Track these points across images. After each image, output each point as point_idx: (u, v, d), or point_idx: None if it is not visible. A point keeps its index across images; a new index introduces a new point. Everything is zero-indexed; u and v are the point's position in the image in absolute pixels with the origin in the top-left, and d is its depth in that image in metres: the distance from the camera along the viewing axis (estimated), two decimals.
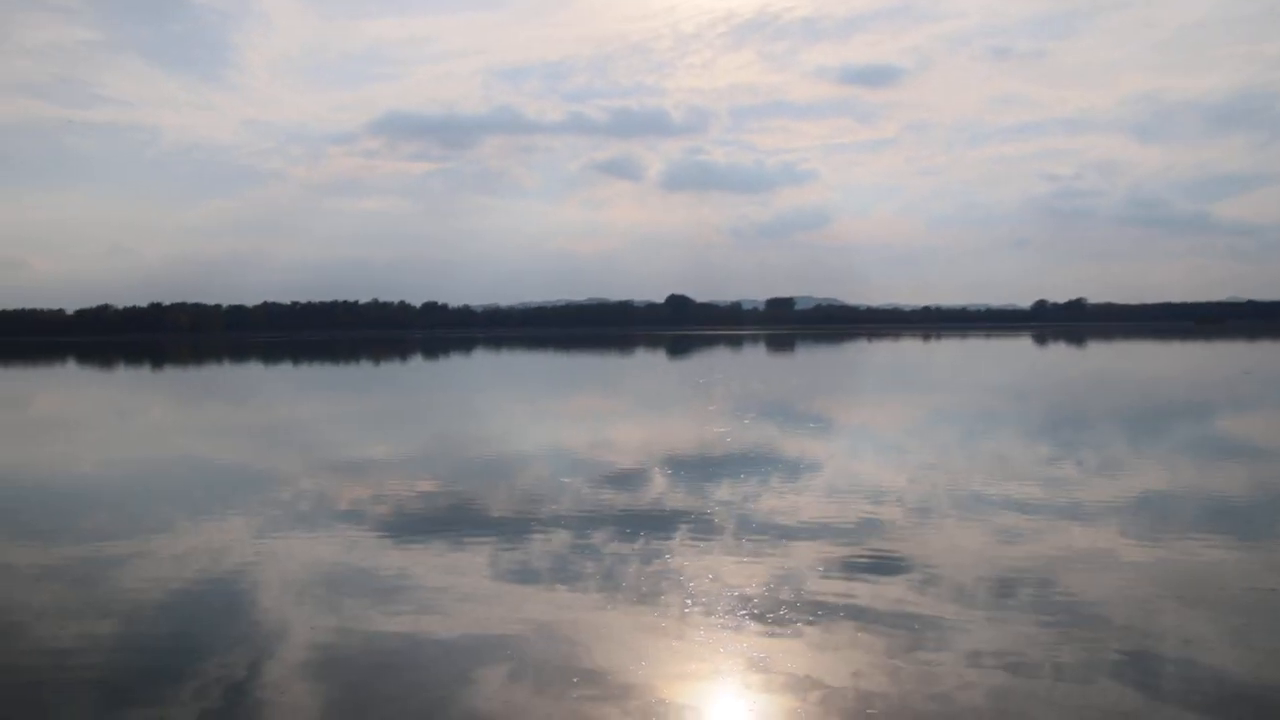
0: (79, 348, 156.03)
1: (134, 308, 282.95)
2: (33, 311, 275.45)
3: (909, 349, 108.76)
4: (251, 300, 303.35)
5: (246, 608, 11.62)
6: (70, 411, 43.91)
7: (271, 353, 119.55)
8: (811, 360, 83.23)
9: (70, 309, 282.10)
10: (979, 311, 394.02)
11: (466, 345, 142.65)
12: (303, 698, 8.78)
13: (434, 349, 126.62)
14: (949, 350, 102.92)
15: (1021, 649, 9.60)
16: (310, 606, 11.58)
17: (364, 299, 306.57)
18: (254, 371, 78.63)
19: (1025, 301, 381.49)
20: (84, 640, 10.52)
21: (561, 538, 14.87)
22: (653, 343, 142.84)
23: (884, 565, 12.94)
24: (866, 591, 11.71)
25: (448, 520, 16.41)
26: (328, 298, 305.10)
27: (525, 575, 12.80)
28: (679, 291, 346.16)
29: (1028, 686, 8.67)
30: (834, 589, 11.82)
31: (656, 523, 15.82)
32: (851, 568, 12.82)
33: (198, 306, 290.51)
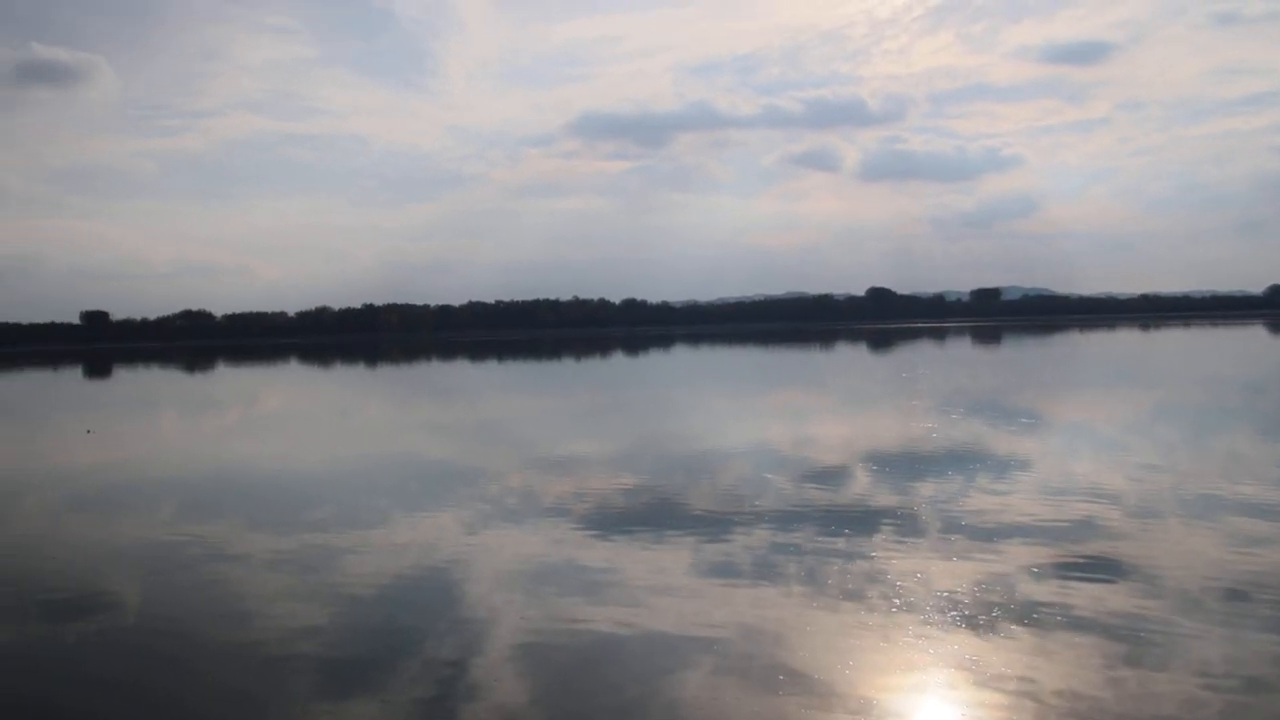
0: (300, 348, 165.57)
1: (349, 309, 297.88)
2: (259, 314, 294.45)
3: (1126, 340, 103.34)
4: (458, 300, 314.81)
5: (459, 598, 12.05)
6: (295, 409, 46.64)
7: (478, 351, 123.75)
8: (1020, 353, 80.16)
9: (291, 311, 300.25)
10: (1203, 298, 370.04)
11: (666, 342, 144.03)
12: (512, 686, 9.03)
13: (634, 346, 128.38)
14: (1170, 341, 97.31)
15: (1259, 666, 8.93)
16: (519, 598, 11.91)
17: (565, 297, 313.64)
18: (462, 369, 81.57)
19: (1257, 287, 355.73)
20: (310, 624, 11.14)
21: (764, 534, 14.80)
22: (853, 337, 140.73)
23: (1103, 569, 12.31)
24: (1084, 596, 11.17)
25: (651, 516, 16.58)
26: (530, 296, 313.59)
27: (728, 571, 12.80)
28: (880, 284, 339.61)
29: (1267, 707, 8.08)
30: (1049, 592, 11.33)
31: (861, 520, 15.55)
32: (1067, 570, 12.26)
33: (407, 307, 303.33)
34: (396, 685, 9.13)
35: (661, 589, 12.11)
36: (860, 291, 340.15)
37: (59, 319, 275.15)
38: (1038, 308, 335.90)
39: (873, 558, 13.17)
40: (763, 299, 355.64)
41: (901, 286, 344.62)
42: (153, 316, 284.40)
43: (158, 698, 9.18)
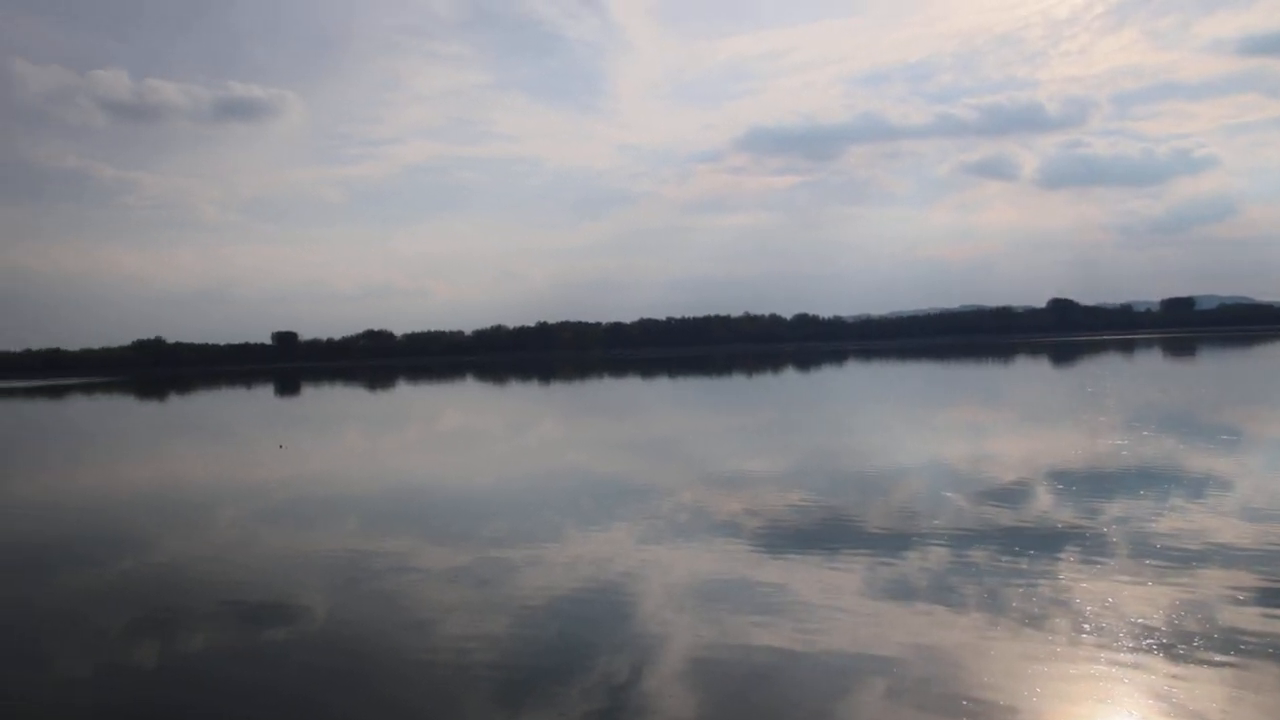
0: (476, 365, 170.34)
1: (523, 327, 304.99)
2: (437, 333, 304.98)
3: None
4: (629, 317, 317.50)
5: (632, 613, 12.08)
6: (472, 425, 47.92)
7: (649, 367, 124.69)
8: (1218, 366, 75.76)
9: (468, 330, 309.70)
10: None
11: (838, 357, 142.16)
12: (685, 703, 8.98)
13: (806, 361, 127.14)
14: None
15: None
16: (691, 615, 11.87)
17: (736, 313, 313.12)
18: (633, 386, 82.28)
19: None
20: (485, 637, 11.37)
21: (940, 555, 14.37)
22: (1034, 350, 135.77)
23: None
24: None
25: (823, 534, 16.32)
26: (701, 312, 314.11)
27: (903, 593, 12.46)
28: (1062, 295, 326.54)
29: None
30: (1254, 622, 10.60)
31: (1044, 541, 14.92)
32: (1274, 598, 11.45)
33: (580, 324, 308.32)
34: (569, 699, 9.20)
35: (835, 608, 11.88)
36: (1041, 303, 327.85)
37: (252, 340, 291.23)
38: (1237, 317, 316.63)
39: (1058, 580, 12.61)
40: (938, 312, 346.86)
41: (1085, 297, 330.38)
42: (338, 336, 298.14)
43: (334, 713, 9.49)
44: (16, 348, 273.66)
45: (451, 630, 11.72)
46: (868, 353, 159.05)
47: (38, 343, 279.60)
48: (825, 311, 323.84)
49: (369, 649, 11.20)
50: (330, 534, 18.40)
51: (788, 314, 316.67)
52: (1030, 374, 75.24)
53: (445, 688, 9.77)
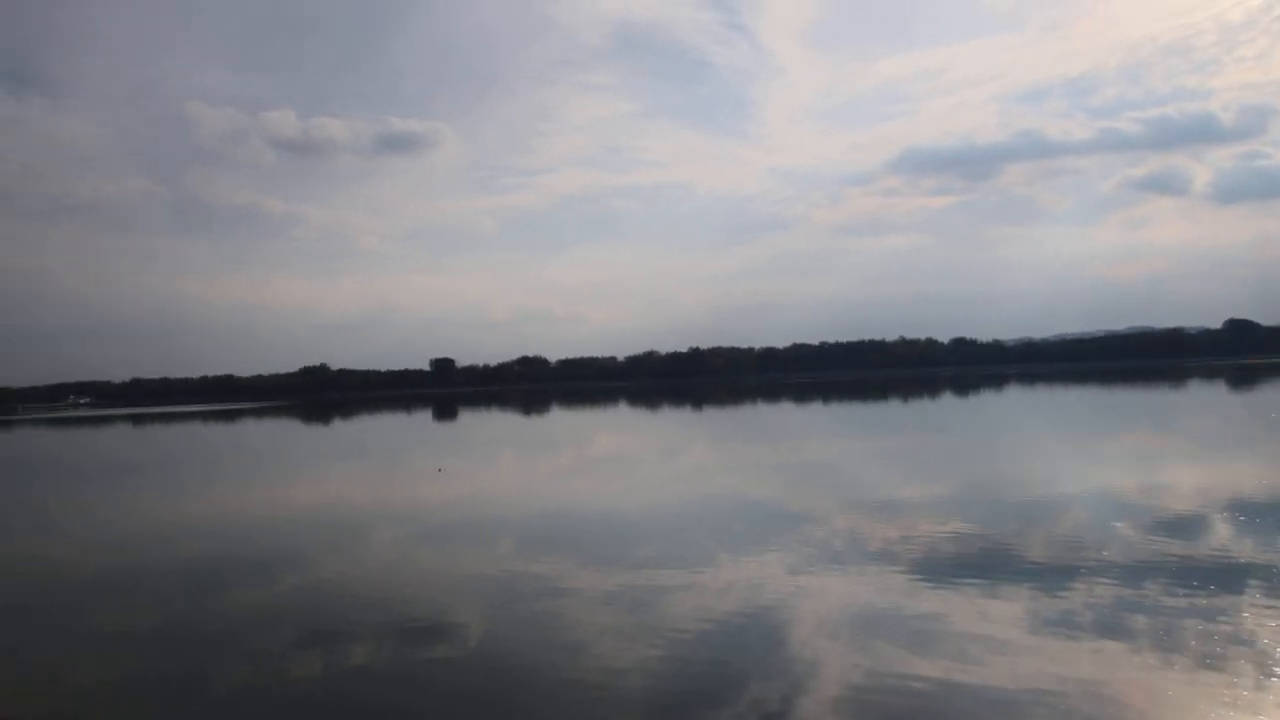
0: (628, 391, 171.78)
1: (675, 353, 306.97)
2: (590, 359, 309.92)
3: None
4: (781, 342, 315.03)
5: (783, 641, 11.90)
6: (624, 450, 48.24)
7: (803, 392, 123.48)
8: None
9: (620, 355, 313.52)
10: None
11: (998, 381, 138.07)
12: None
13: (964, 386, 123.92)
14: None
15: None
16: (844, 645, 11.62)
17: (890, 337, 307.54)
18: (786, 411, 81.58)
19: None
20: (637, 662, 11.36)
21: (1107, 588, 13.71)
22: (1209, 374, 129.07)
23: None
24: None
25: (982, 564, 15.78)
26: (854, 336, 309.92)
27: (1067, 627, 11.93)
28: (1240, 315, 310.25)
29: None
30: None
31: (1222, 575, 14.08)
32: None
33: (732, 350, 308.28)
34: None
35: (994, 642, 11.46)
36: (1216, 324, 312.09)
37: (411, 366, 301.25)
38: None
39: (1240, 618, 11.88)
40: (1104, 334, 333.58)
41: (1267, 318, 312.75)
42: (493, 363, 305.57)
43: None
44: (194, 374, 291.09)
45: (603, 654, 11.76)
46: (1029, 377, 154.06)
47: (213, 370, 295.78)
48: (984, 335, 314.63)
49: (520, 672, 11.31)
50: (485, 556, 18.73)
51: (944, 337, 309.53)
52: (1205, 399, 71.49)
53: (596, 712, 9.78)
